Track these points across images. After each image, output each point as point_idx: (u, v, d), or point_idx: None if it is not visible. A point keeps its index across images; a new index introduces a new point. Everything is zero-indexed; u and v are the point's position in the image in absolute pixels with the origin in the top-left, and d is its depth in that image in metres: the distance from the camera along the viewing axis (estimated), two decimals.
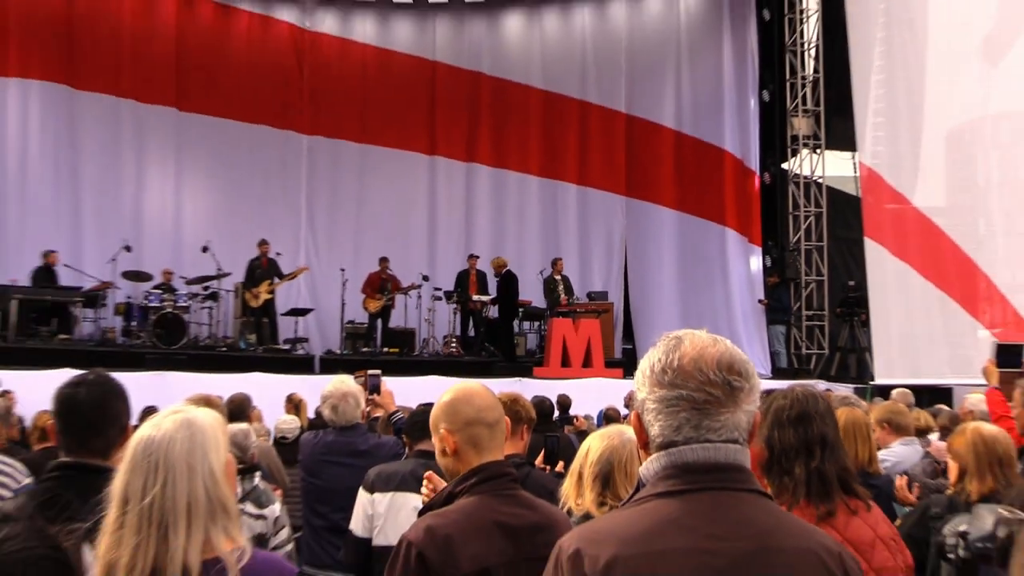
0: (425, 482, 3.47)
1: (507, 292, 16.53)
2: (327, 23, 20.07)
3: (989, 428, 3.87)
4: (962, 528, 2.53)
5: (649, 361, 1.86)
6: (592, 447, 3.40)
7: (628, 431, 3.34)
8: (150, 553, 2.18)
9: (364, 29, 20.23)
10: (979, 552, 2.42)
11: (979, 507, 2.57)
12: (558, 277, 16.92)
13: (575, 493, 3.41)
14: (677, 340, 1.85)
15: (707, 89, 18.70)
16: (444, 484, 2.94)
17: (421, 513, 2.81)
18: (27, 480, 3.28)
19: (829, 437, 3.00)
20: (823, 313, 16.72)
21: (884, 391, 11.99)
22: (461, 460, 2.78)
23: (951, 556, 2.54)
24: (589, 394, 12.27)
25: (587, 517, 3.24)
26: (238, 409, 7.14)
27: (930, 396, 11.29)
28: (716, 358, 1.80)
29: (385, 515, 4.34)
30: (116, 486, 2.29)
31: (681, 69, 19.14)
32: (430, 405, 4.85)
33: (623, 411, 10.32)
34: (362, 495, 4.49)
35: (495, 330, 17.11)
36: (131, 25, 18.66)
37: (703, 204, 18.53)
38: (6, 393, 9.60)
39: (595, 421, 10.35)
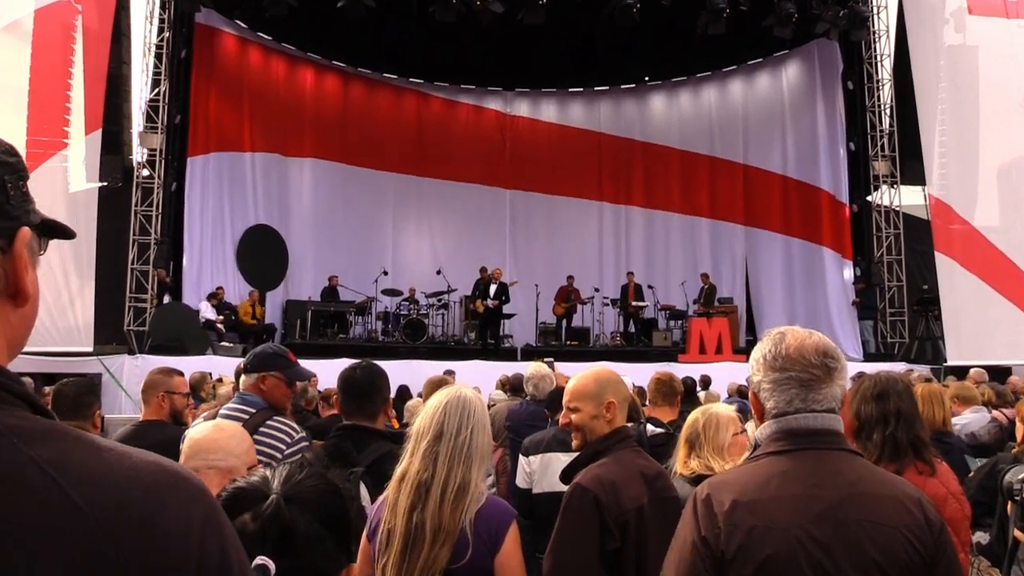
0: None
1: (502, 294, 16.18)
2: (522, 108, 20.59)
3: None
4: (1022, 476, 2.35)
5: (761, 351, 1.81)
6: (688, 420, 3.26)
7: (713, 407, 3.24)
8: (458, 476, 2.24)
9: (548, 111, 20.68)
10: None
11: None
12: (705, 286, 17.24)
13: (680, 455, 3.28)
14: (781, 335, 1.80)
15: (805, 142, 18.21)
16: None
17: (571, 467, 2.63)
18: (300, 435, 3.17)
19: (904, 410, 2.84)
20: (903, 310, 16.02)
21: (955, 371, 11.92)
22: (611, 424, 2.61)
23: (1017, 498, 2.37)
24: (721, 374, 12.01)
25: (695, 478, 3.08)
26: (515, 382, 7.23)
27: (991, 374, 10.78)
28: (814, 346, 1.76)
29: (539, 471, 4.20)
30: (428, 423, 2.32)
31: (785, 128, 18.77)
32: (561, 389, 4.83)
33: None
34: (521, 458, 4.37)
35: (648, 327, 17.19)
36: (386, 115, 19.46)
37: (805, 229, 18.04)
38: (312, 378, 9.75)
39: (722, 397, 9.71)
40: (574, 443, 2.67)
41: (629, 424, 4.49)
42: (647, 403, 5.39)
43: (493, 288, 16.14)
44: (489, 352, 15.25)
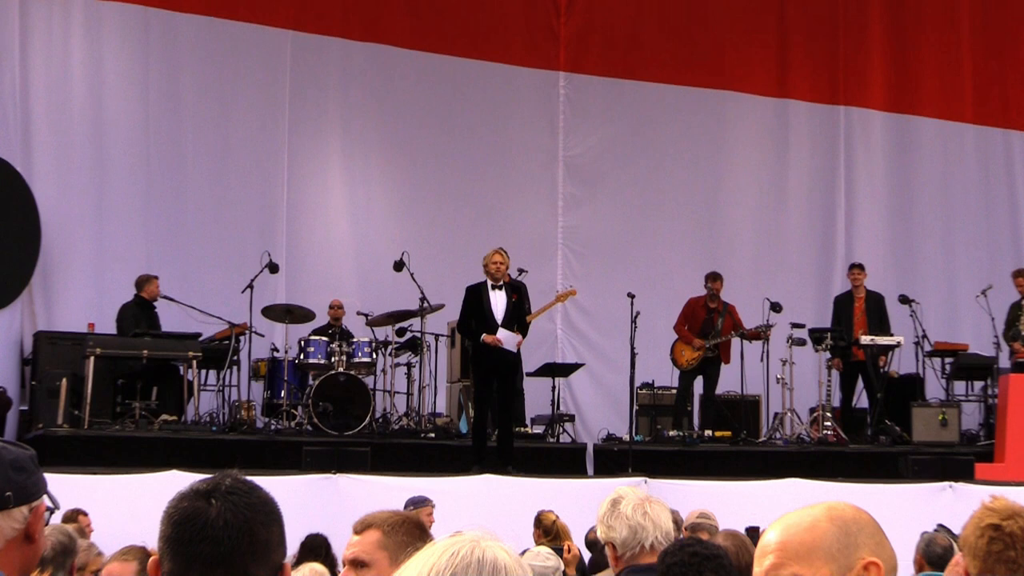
0: None
1: (517, 312, 15.29)
2: None
3: None
4: None
5: None
6: None
7: None
8: None
9: None
10: None
11: None
12: None
13: None
14: None
15: None
16: None
17: None
18: None
19: None
20: None
21: None
22: None
23: None
24: None
25: None
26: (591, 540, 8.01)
27: None
28: None
29: None
30: None
31: None
32: (697, 547, 5.26)
33: None
34: None
35: (903, 393, 17.29)
36: None
37: None
38: (76, 513, 10.17)
39: None
40: None
41: None
42: None
43: (498, 298, 15.39)
44: (502, 457, 14.95)
